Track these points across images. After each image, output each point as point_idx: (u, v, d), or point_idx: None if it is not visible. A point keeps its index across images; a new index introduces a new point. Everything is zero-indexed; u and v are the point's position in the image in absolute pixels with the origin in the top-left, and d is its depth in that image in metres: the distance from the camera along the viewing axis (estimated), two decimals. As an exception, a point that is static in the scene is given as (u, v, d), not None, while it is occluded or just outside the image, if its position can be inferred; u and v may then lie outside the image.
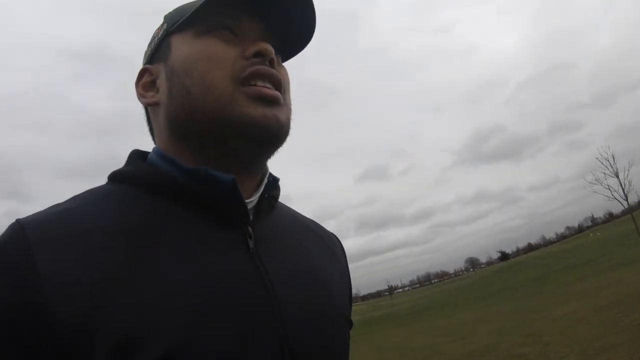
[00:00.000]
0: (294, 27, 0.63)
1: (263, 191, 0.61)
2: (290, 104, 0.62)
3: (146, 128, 0.66)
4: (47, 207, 0.52)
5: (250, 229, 0.56)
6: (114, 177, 0.57)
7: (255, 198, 0.59)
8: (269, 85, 0.56)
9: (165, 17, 0.63)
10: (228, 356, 0.46)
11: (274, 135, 0.56)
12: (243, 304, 0.49)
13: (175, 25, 0.59)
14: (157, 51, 0.61)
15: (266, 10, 0.59)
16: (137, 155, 0.61)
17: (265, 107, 0.55)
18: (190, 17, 0.56)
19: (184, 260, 0.49)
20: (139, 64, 0.65)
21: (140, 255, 0.47)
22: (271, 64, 0.57)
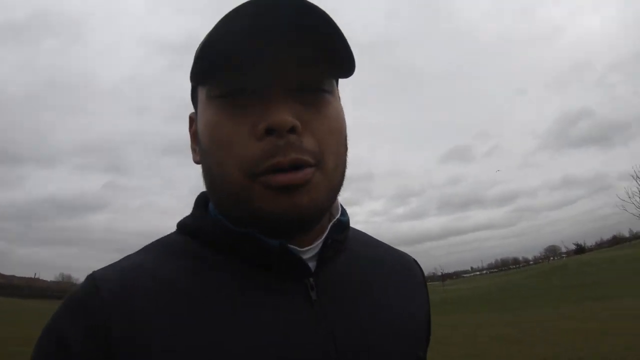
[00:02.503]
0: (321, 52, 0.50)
1: (327, 236, 0.57)
2: (335, 159, 0.53)
3: None
4: (119, 259, 0.54)
5: (312, 279, 0.54)
6: (181, 228, 0.59)
7: (317, 244, 0.56)
8: (289, 167, 0.48)
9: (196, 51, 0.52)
10: None
11: (298, 224, 0.51)
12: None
13: (192, 79, 0.54)
14: (194, 93, 0.58)
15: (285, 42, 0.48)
16: (201, 202, 0.61)
17: (284, 197, 0.48)
18: (194, 78, 0.52)
19: (242, 320, 0.49)
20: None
21: (205, 318, 0.48)
22: (294, 130, 0.48)
